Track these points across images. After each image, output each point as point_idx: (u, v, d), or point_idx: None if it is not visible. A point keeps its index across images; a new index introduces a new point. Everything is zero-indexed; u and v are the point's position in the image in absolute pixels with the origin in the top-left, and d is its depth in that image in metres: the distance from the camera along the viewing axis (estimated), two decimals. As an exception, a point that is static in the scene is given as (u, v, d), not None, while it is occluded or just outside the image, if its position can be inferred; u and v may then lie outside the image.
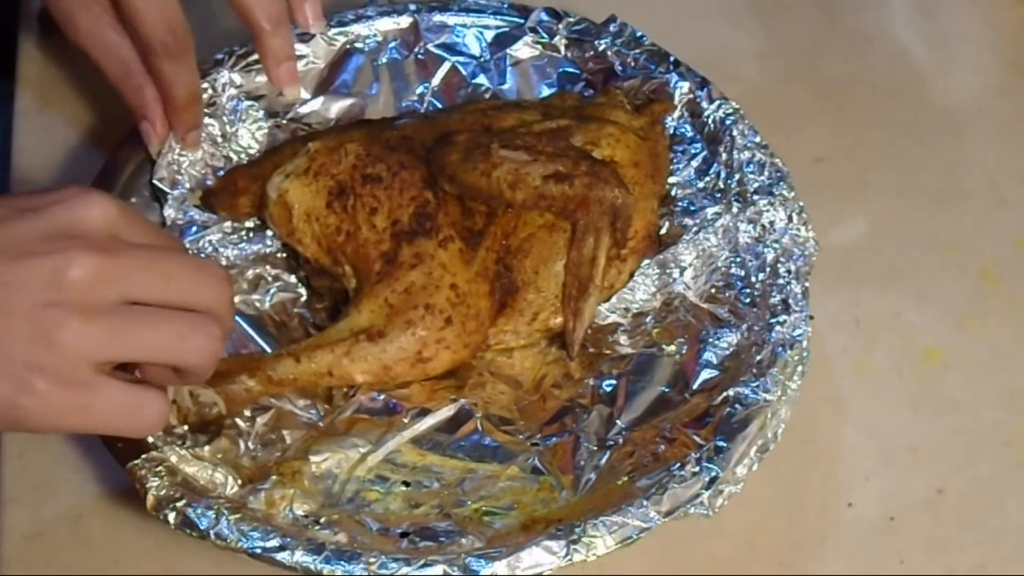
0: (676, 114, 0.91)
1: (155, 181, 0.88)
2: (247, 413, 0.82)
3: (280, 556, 0.72)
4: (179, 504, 0.74)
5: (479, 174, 0.83)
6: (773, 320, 0.82)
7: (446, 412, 0.83)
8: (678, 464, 0.76)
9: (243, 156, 0.91)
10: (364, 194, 0.84)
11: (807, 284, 0.84)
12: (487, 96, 0.94)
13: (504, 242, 0.85)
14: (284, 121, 0.93)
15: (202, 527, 0.73)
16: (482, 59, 0.95)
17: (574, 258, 0.84)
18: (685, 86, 0.91)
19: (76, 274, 0.65)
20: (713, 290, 0.86)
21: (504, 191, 0.83)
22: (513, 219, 0.85)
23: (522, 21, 0.94)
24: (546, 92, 0.95)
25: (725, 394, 0.80)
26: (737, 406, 0.79)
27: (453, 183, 0.84)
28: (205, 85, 0.90)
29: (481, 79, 0.94)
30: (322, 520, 0.76)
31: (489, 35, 0.95)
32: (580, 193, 0.83)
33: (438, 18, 0.94)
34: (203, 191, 0.88)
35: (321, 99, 0.93)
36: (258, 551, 0.73)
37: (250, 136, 0.91)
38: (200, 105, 0.88)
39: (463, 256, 0.84)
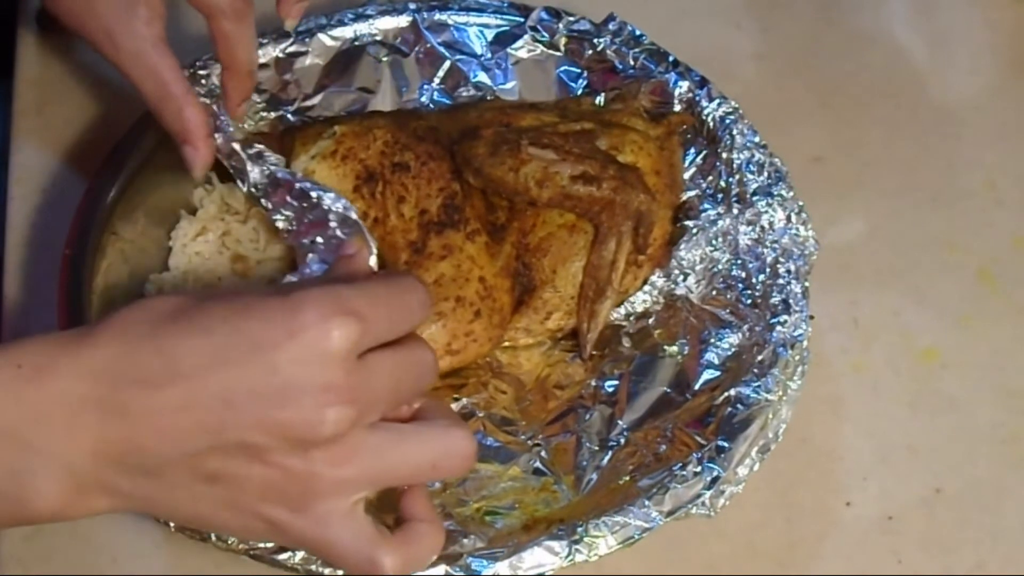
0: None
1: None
2: None
3: (281, 557, 0.72)
4: None
5: (507, 169, 0.83)
6: (774, 320, 0.82)
7: (448, 411, 0.83)
8: (680, 464, 0.77)
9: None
10: (393, 181, 0.84)
11: (807, 284, 0.84)
12: (489, 95, 0.94)
13: (523, 240, 0.85)
14: (287, 114, 0.92)
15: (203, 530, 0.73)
16: (483, 58, 0.95)
17: (594, 260, 0.84)
18: (684, 85, 0.91)
19: (328, 430, 0.62)
20: (714, 292, 0.86)
21: (531, 188, 0.83)
22: (532, 217, 0.86)
23: (522, 20, 0.94)
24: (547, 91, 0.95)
25: (727, 394, 0.80)
26: (739, 406, 0.79)
27: (479, 176, 0.84)
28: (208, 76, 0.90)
29: (482, 77, 0.94)
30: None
31: (489, 34, 0.95)
32: (607, 196, 0.83)
33: (438, 17, 0.94)
34: (285, 128, 0.87)
35: (322, 95, 0.93)
36: (259, 552, 0.73)
37: (254, 129, 0.91)
38: (255, 76, 0.87)
39: (489, 250, 0.84)
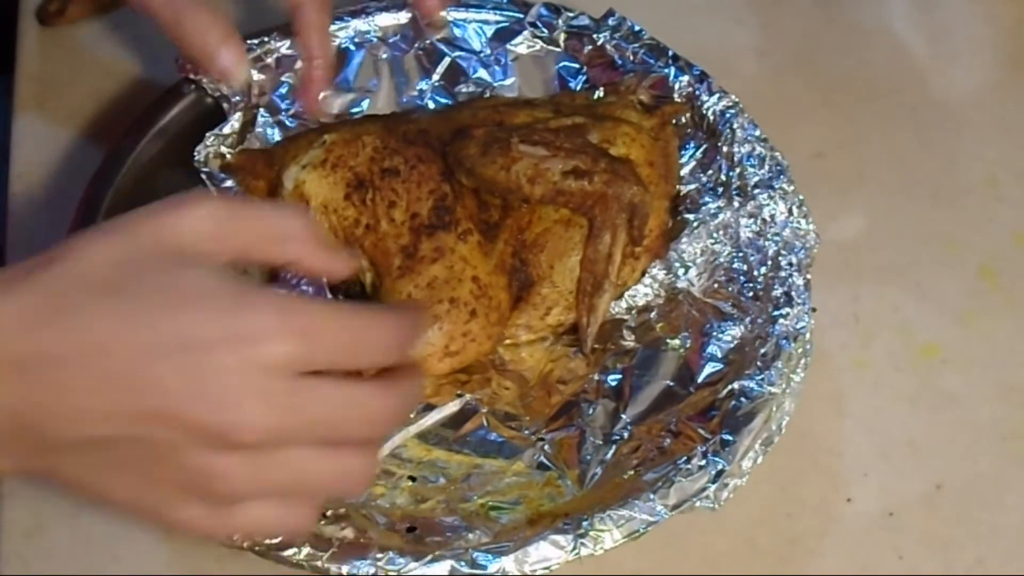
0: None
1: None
2: None
3: (286, 553, 0.72)
4: None
5: (498, 168, 0.83)
6: (776, 313, 0.82)
7: (452, 407, 0.83)
8: (684, 458, 0.77)
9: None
10: (383, 187, 0.84)
11: (808, 276, 0.84)
12: (488, 91, 0.94)
13: (519, 236, 0.85)
14: (286, 118, 0.92)
15: None
16: (482, 54, 0.95)
17: (590, 254, 0.84)
18: (684, 80, 0.91)
19: (246, 439, 0.60)
20: (716, 284, 0.86)
21: (523, 185, 0.83)
22: (528, 214, 0.86)
23: (522, 16, 0.95)
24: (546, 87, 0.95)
25: (730, 387, 0.80)
26: (742, 399, 0.79)
27: (471, 176, 0.84)
28: (205, 80, 0.90)
29: (482, 74, 0.94)
30: (328, 514, 0.76)
31: (489, 30, 0.95)
32: (599, 190, 0.83)
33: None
34: (223, 162, 0.88)
35: (322, 95, 0.93)
36: (263, 549, 0.72)
37: (253, 134, 0.91)
38: (333, 66, 0.90)
39: (482, 248, 0.84)
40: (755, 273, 0.85)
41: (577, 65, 0.94)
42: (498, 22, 0.95)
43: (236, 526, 0.63)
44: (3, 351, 0.60)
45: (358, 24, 0.94)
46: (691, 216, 0.88)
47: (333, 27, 0.93)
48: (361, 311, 0.63)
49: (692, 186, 0.89)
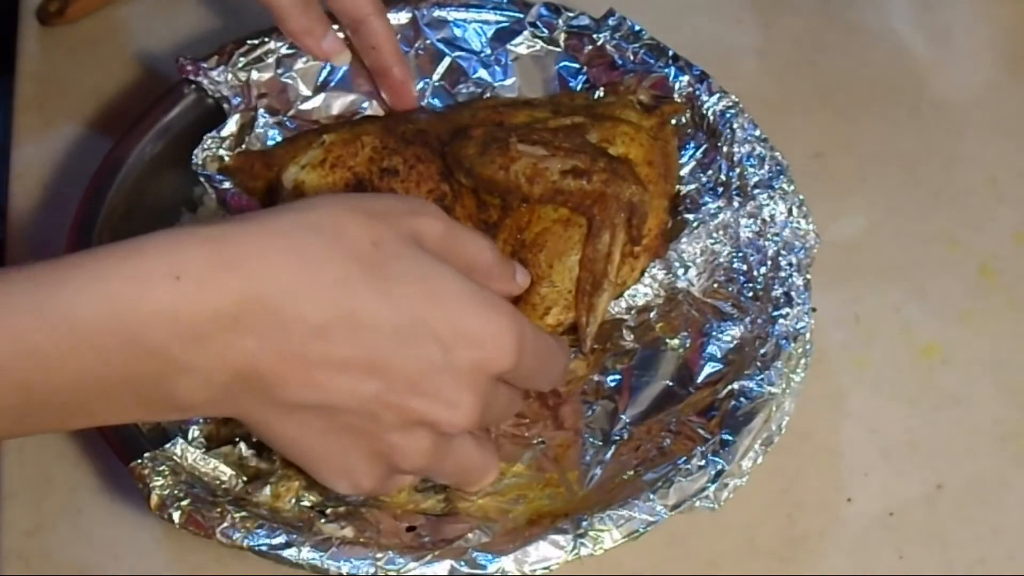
0: (676, 108, 0.92)
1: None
2: None
3: (286, 553, 0.72)
4: (184, 503, 0.73)
5: (497, 168, 0.83)
6: (776, 313, 0.82)
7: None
8: (684, 458, 0.76)
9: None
10: (381, 187, 0.84)
11: (808, 276, 0.84)
12: (488, 91, 0.94)
13: (518, 236, 0.85)
14: (286, 119, 0.92)
15: (208, 526, 0.73)
16: (482, 54, 0.94)
17: (589, 254, 0.84)
18: (685, 79, 0.91)
19: (447, 430, 0.68)
20: (716, 284, 0.86)
21: (522, 185, 0.83)
22: (527, 213, 0.85)
23: (522, 16, 0.94)
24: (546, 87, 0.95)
25: (730, 387, 0.80)
26: (742, 399, 0.79)
27: (470, 176, 0.84)
28: (206, 81, 0.90)
29: (482, 74, 0.94)
30: (328, 512, 0.76)
31: (489, 30, 0.95)
32: (598, 189, 0.83)
33: (438, 13, 0.94)
34: (221, 164, 0.89)
35: (323, 96, 0.93)
36: (264, 548, 0.72)
37: (252, 135, 0.91)
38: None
39: None
40: (755, 273, 0.85)
41: (577, 65, 0.94)
42: (498, 22, 0.95)
43: (388, 489, 0.72)
44: (262, 308, 0.62)
45: (358, 24, 0.94)
46: (691, 216, 0.88)
47: (334, 26, 0.93)
48: (550, 340, 0.73)
49: (692, 186, 0.89)
